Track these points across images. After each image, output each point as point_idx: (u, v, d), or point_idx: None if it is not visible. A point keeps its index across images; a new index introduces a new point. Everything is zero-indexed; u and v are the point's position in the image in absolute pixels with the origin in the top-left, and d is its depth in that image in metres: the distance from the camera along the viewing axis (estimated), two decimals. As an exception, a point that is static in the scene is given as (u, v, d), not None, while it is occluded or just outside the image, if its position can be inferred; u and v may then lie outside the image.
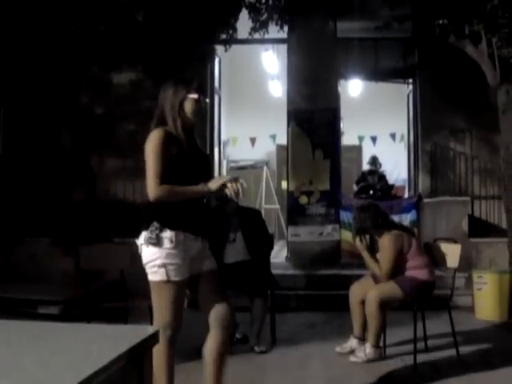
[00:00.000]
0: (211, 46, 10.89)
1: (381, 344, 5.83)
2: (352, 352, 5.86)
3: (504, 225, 8.94)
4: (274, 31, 10.53)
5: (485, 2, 7.88)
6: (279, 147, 14.17)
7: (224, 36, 10.54)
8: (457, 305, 7.96)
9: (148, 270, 3.75)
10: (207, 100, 3.80)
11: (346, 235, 9.95)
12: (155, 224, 3.69)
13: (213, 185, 3.64)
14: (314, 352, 6.08)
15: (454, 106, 10.22)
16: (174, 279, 3.70)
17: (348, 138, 14.61)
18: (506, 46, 8.25)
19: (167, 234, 3.68)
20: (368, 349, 5.69)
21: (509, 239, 8.46)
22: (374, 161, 11.84)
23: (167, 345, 3.76)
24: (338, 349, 6.01)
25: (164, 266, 3.67)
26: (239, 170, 14.88)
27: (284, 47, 11.03)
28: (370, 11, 10.04)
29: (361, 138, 14.93)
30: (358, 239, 5.99)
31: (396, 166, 13.84)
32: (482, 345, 6.34)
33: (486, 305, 7.80)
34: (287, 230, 10.43)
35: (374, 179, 11.59)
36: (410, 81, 11.36)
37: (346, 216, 10.09)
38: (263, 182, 14.63)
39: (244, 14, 10.34)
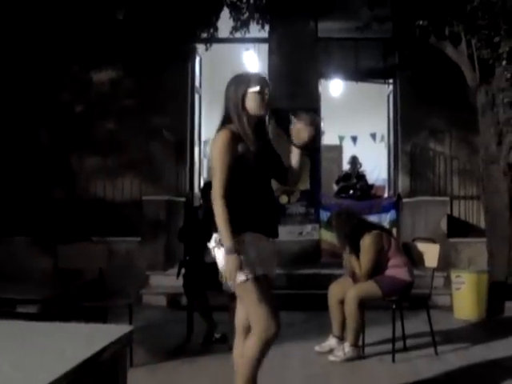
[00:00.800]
0: (192, 45, 10.87)
1: (360, 343, 5.85)
2: (331, 351, 5.87)
3: (483, 225, 9.00)
4: (255, 30, 10.55)
5: (465, 4, 7.95)
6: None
7: (205, 35, 10.54)
8: (436, 304, 8.01)
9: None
10: (267, 91, 3.74)
11: (326, 235, 9.98)
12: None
13: (225, 261, 3.56)
14: (293, 351, 6.08)
15: (434, 106, 10.27)
16: (253, 275, 3.59)
17: (329, 138, 14.61)
18: (485, 48, 8.32)
19: (245, 236, 3.60)
20: (347, 348, 5.70)
21: (487, 239, 8.52)
22: (354, 160, 11.89)
23: (270, 342, 3.65)
24: (317, 348, 6.01)
25: (242, 264, 3.57)
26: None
27: (265, 47, 11.04)
28: (350, 11, 10.06)
29: (341, 138, 14.96)
30: (347, 252, 6.01)
31: (376, 166, 13.87)
32: (460, 344, 6.37)
33: (464, 304, 7.85)
34: (268, 229, 10.42)
35: (353, 179, 11.64)
36: (391, 81, 11.39)
37: (326, 216, 10.10)
38: (243, 182, 14.60)
39: (225, 13, 10.35)
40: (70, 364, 1.60)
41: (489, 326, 7.47)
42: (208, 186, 6.78)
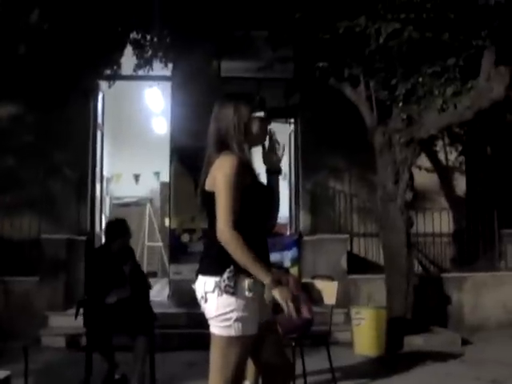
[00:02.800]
0: (95, 81, 10.76)
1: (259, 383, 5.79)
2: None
3: (382, 261, 9.19)
4: (159, 68, 10.54)
5: (363, 47, 8.18)
6: (163, 184, 14.07)
7: (108, 71, 10.47)
8: (337, 340, 8.08)
9: (216, 322, 3.11)
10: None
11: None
12: (232, 268, 3.07)
13: (277, 294, 3.05)
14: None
15: (334, 145, 10.45)
16: (248, 333, 3.12)
17: (232, 176, 14.71)
18: (382, 89, 8.60)
19: (245, 281, 3.08)
20: (247, 386, 5.61)
21: (386, 275, 8.70)
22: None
23: None
24: None
25: (240, 319, 3.08)
26: (122, 207, 14.68)
27: (169, 84, 11.04)
28: (253, 51, 10.21)
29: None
30: None
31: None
32: (360, 379, 6.46)
33: (364, 340, 7.95)
34: (170, 267, 10.34)
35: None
36: (292, 120, 11.57)
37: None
38: (146, 219, 14.49)
39: (129, 50, 10.31)
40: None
41: (388, 361, 7.59)
42: (112, 224, 6.69)
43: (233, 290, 3.04)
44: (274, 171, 3.46)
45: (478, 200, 11.15)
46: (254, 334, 3.15)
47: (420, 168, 10.36)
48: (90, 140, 10.89)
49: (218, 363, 3.15)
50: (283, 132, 12.29)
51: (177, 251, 10.13)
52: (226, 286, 3.03)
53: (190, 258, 9.93)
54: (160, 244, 14.27)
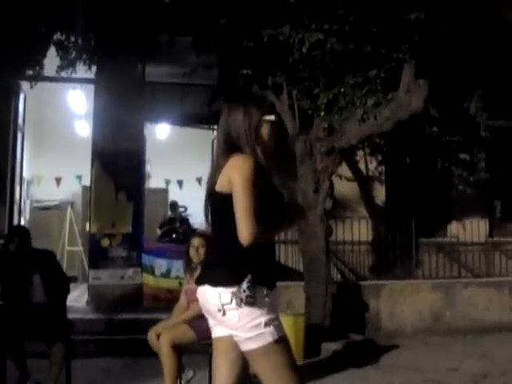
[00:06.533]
0: (16, 82, 10.55)
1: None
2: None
3: (301, 268, 9.25)
4: (83, 70, 10.40)
5: (287, 56, 8.27)
6: (85, 188, 13.85)
7: (30, 72, 10.26)
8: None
9: (246, 334, 2.98)
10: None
11: (148, 279, 9.94)
12: (250, 278, 2.97)
13: (297, 215, 3.22)
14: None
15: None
16: (283, 333, 3.05)
17: (155, 181, 14.64)
18: (305, 99, 8.70)
19: (263, 288, 3.02)
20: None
21: (305, 282, 8.77)
22: (174, 205, 12.02)
23: None
24: None
25: (270, 322, 2.99)
26: (43, 211, 14.42)
27: (92, 87, 10.90)
28: (178, 57, 10.18)
29: (168, 182, 15.00)
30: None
31: (202, 210, 13.96)
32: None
33: (282, 347, 7.97)
34: (89, 272, 10.20)
35: (176, 223, 11.70)
36: (216, 127, 11.56)
37: (148, 259, 10.06)
38: (67, 224, 14.24)
39: (52, 51, 10.13)
40: None
41: (306, 368, 7.65)
42: (13, 228, 6.57)
43: (253, 299, 2.95)
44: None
45: (396, 209, 11.42)
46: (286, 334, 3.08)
47: (341, 177, 10.52)
48: (10, 141, 10.65)
49: (271, 376, 3.05)
50: (206, 138, 12.33)
51: (96, 256, 9.98)
52: (247, 297, 2.93)
53: (109, 264, 9.83)
54: (80, 249, 14.04)
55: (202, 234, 6.09)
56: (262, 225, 2.98)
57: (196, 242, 5.98)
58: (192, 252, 5.98)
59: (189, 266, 6.08)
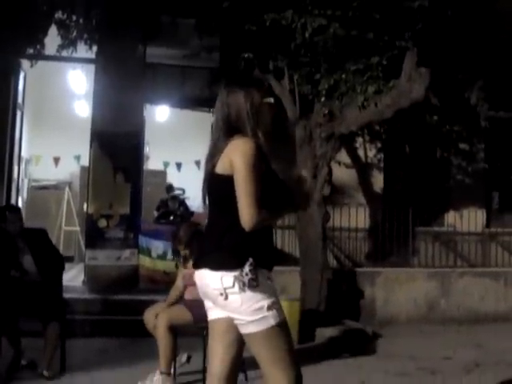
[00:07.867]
0: (16, 60, 10.49)
1: (171, 371, 5.73)
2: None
3: (297, 254, 9.27)
4: (83, 50, 10.34)
5: (289, 41, 8.25)
6: (83, 168, 13.81)
7: (31, 51, 10.21)
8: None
9: (249, 317, 3.00)
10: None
11: (145, 260, 9.96)
12: (252, 261, 2.96)
13: (302, 202, 3.26)
14: (104, 379, 5.96)
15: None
16: (284, 316, 3.08)
17: (153, 163, 14.60)
18: (305, 84, 8.68)
19: (262, 272, 3.02)
20: (157, 375, 5.56)
21: (301, 268, 8.79)
22: (170, 188, 12.00)
23: None
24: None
25: (272, 305, 3.01)
26: (41, 190, 14.40)
27: (92, 67, 10.84)
28: (179, 39, 10.14)
29: (166, 164, 14.95)
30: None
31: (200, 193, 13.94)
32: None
33: (277, 331, 7.99)
34: (85, 252, 10.20)
35: (174, 205, 11.68)
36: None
37: (145, 241, 10.08)
38: (64, 204, 14.22)
39: (53, 30, 10.07)
40: None
41: (300, 353, 7.65)
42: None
43: (256, 282, 2.94)
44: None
45: (394, 197, 11.42)
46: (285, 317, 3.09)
47: (339, 163, 10.54)
48: (9, 120, 10.60)
49: (270, 359, 3.07)
50: (206, 121, 12.28)
51: (93, 237, 9.97)
52: (249, 281, 2.92)
53: (106, 244, 9.82)
54: (77, 229, 14.03)
55: (189, 225, 6.15)
56: (263, 209, 2.97)
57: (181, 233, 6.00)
58: (177, 244, 6.02)
59: (177, 254, 6.11)
